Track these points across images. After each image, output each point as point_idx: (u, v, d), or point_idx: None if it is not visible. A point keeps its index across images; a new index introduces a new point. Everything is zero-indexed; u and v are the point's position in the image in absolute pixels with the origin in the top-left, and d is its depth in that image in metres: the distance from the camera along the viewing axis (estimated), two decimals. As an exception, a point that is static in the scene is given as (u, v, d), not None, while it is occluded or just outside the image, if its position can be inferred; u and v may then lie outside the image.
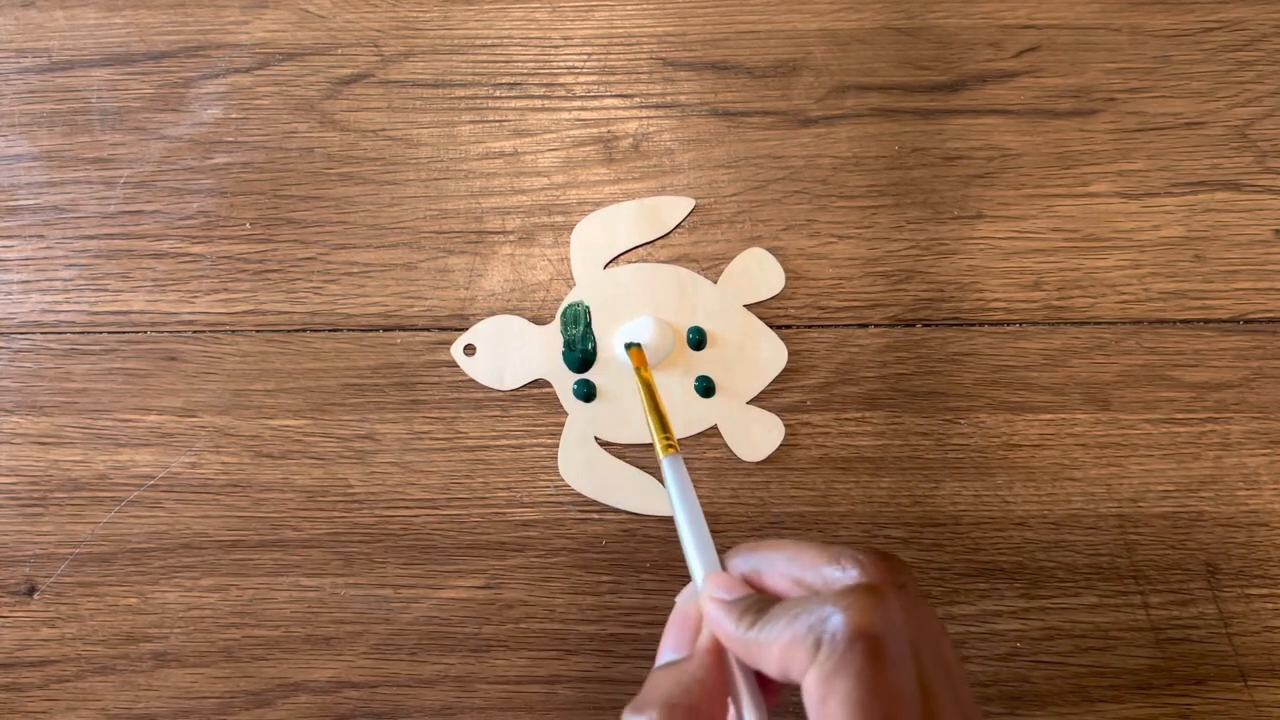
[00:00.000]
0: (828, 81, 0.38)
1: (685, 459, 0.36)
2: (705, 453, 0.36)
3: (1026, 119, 0.38)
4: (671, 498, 0.29)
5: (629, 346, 0.36)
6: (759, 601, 0.25)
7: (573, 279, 0.37)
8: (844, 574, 0.24)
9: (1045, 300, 0.37)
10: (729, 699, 0.25)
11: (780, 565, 0.26)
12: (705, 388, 0.36)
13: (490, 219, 0.38)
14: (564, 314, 0.37)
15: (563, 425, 0.36)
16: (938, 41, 0.38)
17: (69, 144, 0.38)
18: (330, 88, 0.38)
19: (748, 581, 0.27)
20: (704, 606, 0.26)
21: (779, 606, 0.24)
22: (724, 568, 0.27)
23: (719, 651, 0.25)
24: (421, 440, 0.37)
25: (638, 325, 0.36)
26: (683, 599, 0.28)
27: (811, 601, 0.23)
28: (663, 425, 0.31)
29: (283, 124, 0.38)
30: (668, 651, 0.27)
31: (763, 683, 0.25)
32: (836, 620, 0.22)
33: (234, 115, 0.38)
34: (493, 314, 0.37)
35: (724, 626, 0.25)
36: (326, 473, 0.37)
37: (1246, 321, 0.37)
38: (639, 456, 0.37)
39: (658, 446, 0.31)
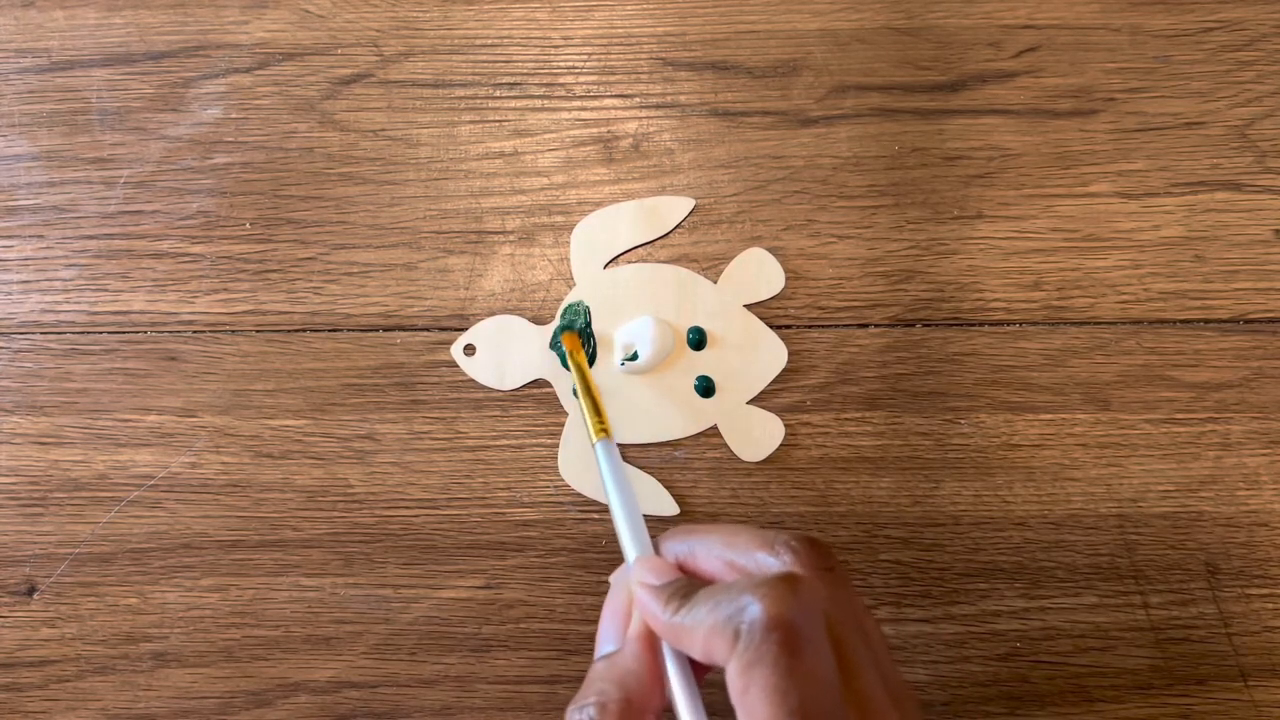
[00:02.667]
0: (828, 81, 0.38)
1: (685, 459, 0.36)
2: (705, 453, 0.36)
3: (1026, 119, 0.38)
4: (604, 480, 0.30)
5: (562, 330, 0.36)
6: (685, 586, 0.25)
7: (573, 279, 0.37)
8: (776, 560, 0.25)
9: (1045, 300, 0.37)
10: (665, 686, 0.25)
11: (715, 549, 0.26)
12: (705, 388, 0.36)
13: (490, 219, 0.38)
14: (564, 314, 0.37)
15: (563, 425, 0.36)
16: (938, 41, 0.38)
17: (69, 144, 0.38)
18: (330, 88, 0.38)
19: (682, 565, 0.27)
20: (634, 591, 0.26)
21: (703, 592, 0.24)
22: (657, 551, 0.28)
23: (650, 639, 0.26)
24: (421, 440, 0.37)
25: (638, 325, 0.36)
26: (615, 579, 0.28)
27: (733, 589, 0.23)
28: (595, 409, 0.32)
29: (283, 124, 0.38)
30: (605, 642, 0.27)
31: (698, 668, 0.26)
32: (754, 610, 0.22)
33: (234, 115, 0.38)
34: (493, 314, 0.37)
35: (652, 611, 0.25)
36: (326, 473, 0.37)
37: (1246, 321, 0.37)
38: (639, 456, 0.37)
39: (590, 430, 0.32)
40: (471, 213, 0.38)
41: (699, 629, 0.23)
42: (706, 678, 0.26)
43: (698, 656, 0.24)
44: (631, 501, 0.29)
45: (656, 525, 0.36)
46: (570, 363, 0.35)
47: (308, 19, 0.39)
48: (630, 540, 0.28)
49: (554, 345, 0.36)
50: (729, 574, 0.26)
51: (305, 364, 0.37)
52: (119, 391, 0.37)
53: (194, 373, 0.37)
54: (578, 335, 0.36)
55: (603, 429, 0.32)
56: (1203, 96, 0.38)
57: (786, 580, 0.23)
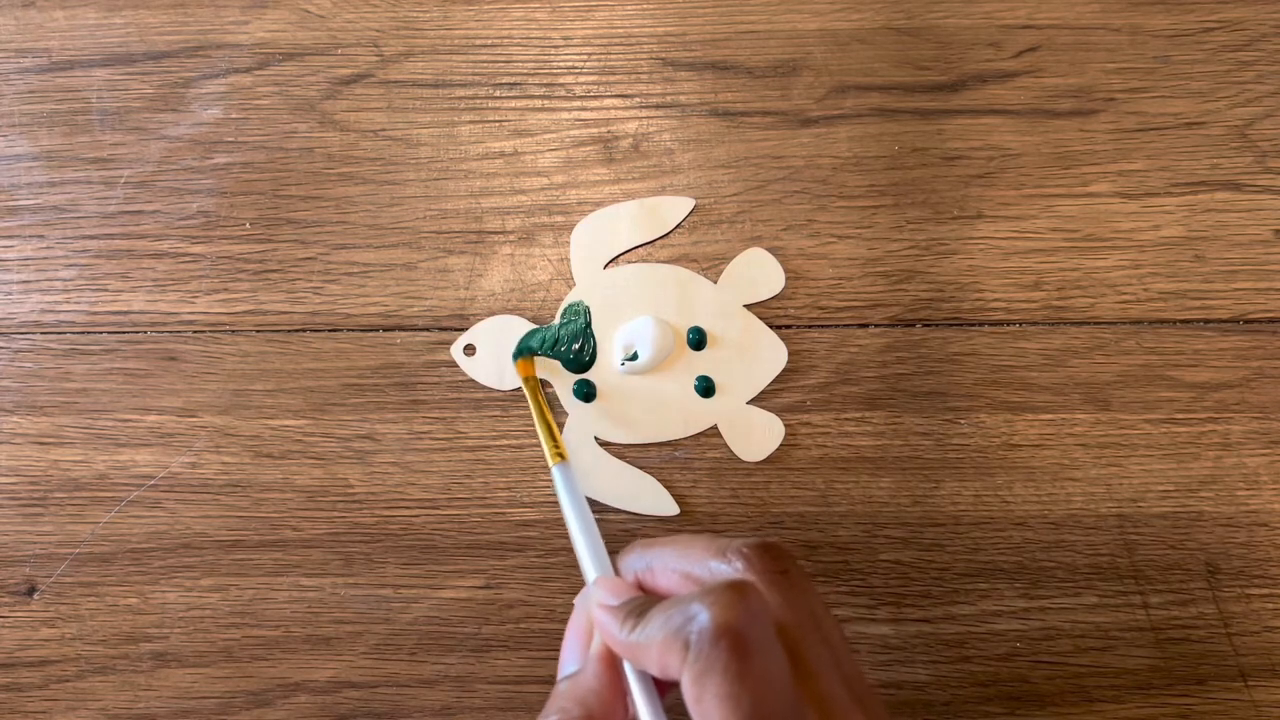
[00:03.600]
0: (828, 81, 0.38)
1: (685, 459, 0.36)
2: (705, 453, 0.36)
3: (1026, 119, 0.38)
4: (563, 504, 0.31)
5: (518, 355, 0.36)
6: (641, 604, 0.25)
7: (573, 279, 0.37)
8: (729, 567, 0.25)
9: (1045, 300, 0.37)
10: (625, 706, 0.26)
11: (670, 561, 0.26)
12: (705, 388, 0.36)
13: (490, 219, 0.38)
14: (564, 314, 0.37)
15: (563, 425, 0.36)
16: (938, 41, 0.38)
17: (69, 144, 0.38)
18: (330, 88, 0.38)
19: (641, 581, 0.27)
20: (593, 612, 0.26)
21: (656, 608, 0.24)
22: (617, 571, 0.28)
23: (611, 657, 0.26)
24: (421, 440, 0.37)
25: (638, 325, 0.36)
26: (578, 600, 0.28)
27: (682, 601, 0.23)
28: (550, 434, 0.33)
29: (283, 124, 0.38)
30: (568, 663, 0.27)
31: (662, 687, 0.26)
32: (702, 619, 0.22)
33: (234, 115, 0.38)
34: (493, 314, 0.37)
35: (610, 631, 0.25)
36: (326, 473, 0.37)
37: (1246, 321, 0.37)
38: (639, 456, 0.37)
39: (547, 454, 0.33)
40: (471, 213, 0.38)
41: (653, 644, 0.23)
42: (670, 695, 0.27)
43: (655, 672, 0.24)
44: (589, 524, 0.30)
45: (657, 525, 0.36)
46: (524, 389, 0.35)
47: (308, 19, 0.39)
48: (589, 562, 0.29)
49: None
50: (685, 586, 0.26)
51: (305, 364, 0.37)
52: (119, 391, 0.37)
53: (194, 373, 0.37)
54: (531, 360, 0.36)
55: (558, 453, 0.32)
56: (1203, 96, 0.38)
57: (733, 587, 0.23)
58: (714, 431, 0.37)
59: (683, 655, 0.22)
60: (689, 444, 0.36)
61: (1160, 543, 0.36)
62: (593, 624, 0.27)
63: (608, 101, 0.38)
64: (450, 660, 0.36)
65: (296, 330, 0.37)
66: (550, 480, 0.36)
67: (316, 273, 0.37)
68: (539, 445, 0.36)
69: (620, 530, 0.36)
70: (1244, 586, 0.36)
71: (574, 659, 0.27)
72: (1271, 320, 0.37)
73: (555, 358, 0.37)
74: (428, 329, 0.37)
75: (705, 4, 0.38)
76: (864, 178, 0.37)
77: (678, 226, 0.37)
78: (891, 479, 0.36)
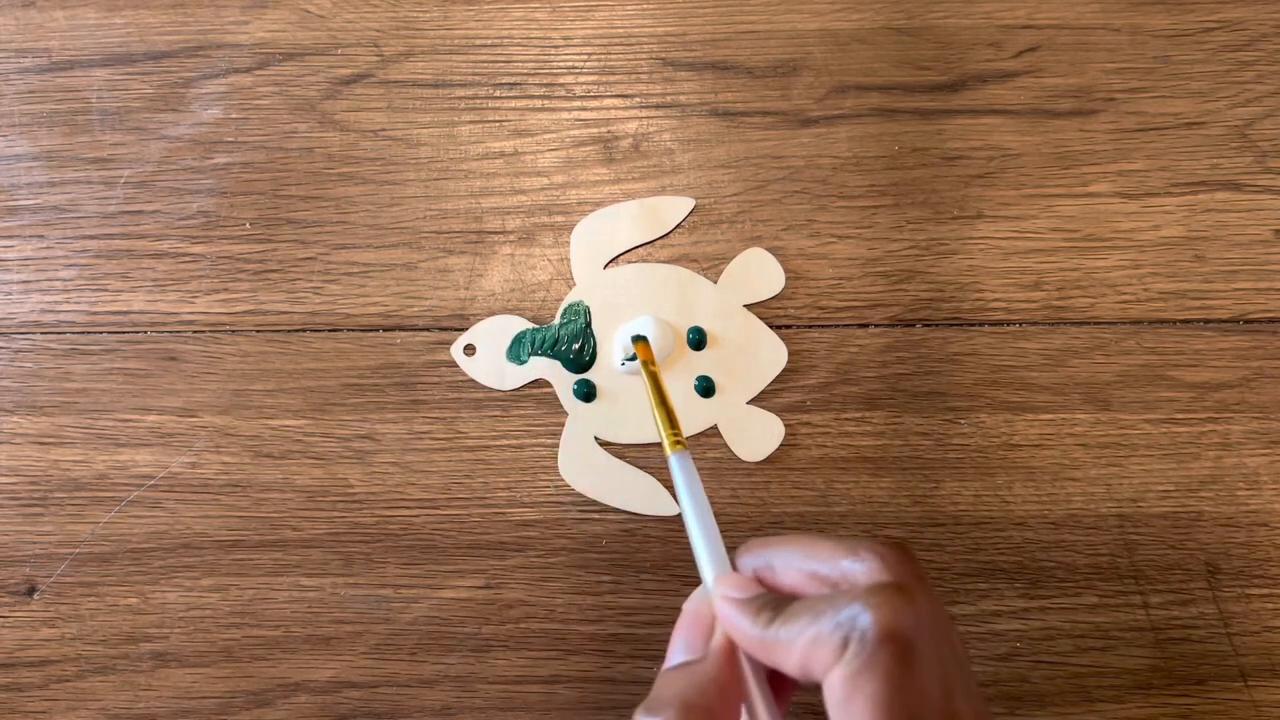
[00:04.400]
0: (828, 81, 0.38)
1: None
2: (705, 453, 0.36)
3: (1026, 119, 0.38)
4: (680, 496, 0.28)
5: (636, 340, 0.35)
6: (775, 599, 0.24)
7: (573, 279, 0.37)
8: (862, 566, 0.24)
9: (1045, 300, 0.37)
10: (742, 702, 0.25)
11: (794, 560, 0.26)
12: (705, 388, 0.36)
13: (490, 219, 0.38)
14: (564, 314, 0.37)
15: (563, 425, 0.36)
16: (938, 41, 0.38)
17: (69, 144, 0.38)
18: (330, 88, 0.38)
19: (761, 578, 0.26)
20: (717, 606, 0.26)
21: (800, 604, 0.23)
22: (734, 566, 0.27)
23: (732, 653, 0.25)
24: (421, 440, 0.37)
25: (637, 325, 0.36)
26: (691, 602, 0.27)
27: (838, 599, 0.23)
28: (671, 421, 0.30)
29: (283, 124, 0.38)
30: (678, 652, 0.26)
31: (775, 686, 0.25)
32: (865, 619, 0.21)
33: (234, 115, 0.38)
34: (493, 314, 0.37)
35: (739, 625, 0.24)
36: (326, 473, 0.37)
37: (1246, 321, 0.37)
38: (639, 456, 0.37)
39: (665, 443, 0.30)
40: (471, 213, 0.38)
41: (798, 641, 0.22)
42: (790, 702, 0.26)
43: (792, 670, 0.23)
44: (708, 516, 0.28)
45: (657, 525, 0.36)
46: (644, 373, 0.33)
47: (308, 19, 0.39)
48: (708, 556, 0.27)
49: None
50: (810, 585, 0.25)
51: (305, 364, 0.37)
52: (119, 391, 0.37)
53: (194, 373, 0.37)
54: (648, 345, 0.35)
55: (678, 442, 0.30)
56: (1203, 96, 0.38)
57: (900, 589, 0.22)
58: (714, 431, 0.37)
59: (838, 653, 0.21)
60: (689, 444, 0.36)
61: (1160, 543, 0.36)
62: (710, 619, 0.26)
63: (608, 101, 0.38)
64: (450, 660, 0.36)
65: (296, 330, 0.37)
66: (550, 480, 0.36)
67: (316, 273, 0.37)
68: (539, 445, 0.36)
69: (620, 530, 0.36)
70: (1244, 586, 0.36)
71: (685, 652, 0.26)
72: (1271, 320, 0.37)
73: (555, 358, 0.37)
74: (428, 329, 0.37)
75: (705, 4, 0.38)
76: (864, 178, 0.37)
77: (678, 226, 0.37)
78: (891, 479, 0.36)
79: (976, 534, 0.36)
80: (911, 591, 0.22)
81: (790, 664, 0.23)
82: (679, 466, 0.29)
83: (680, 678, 0.25)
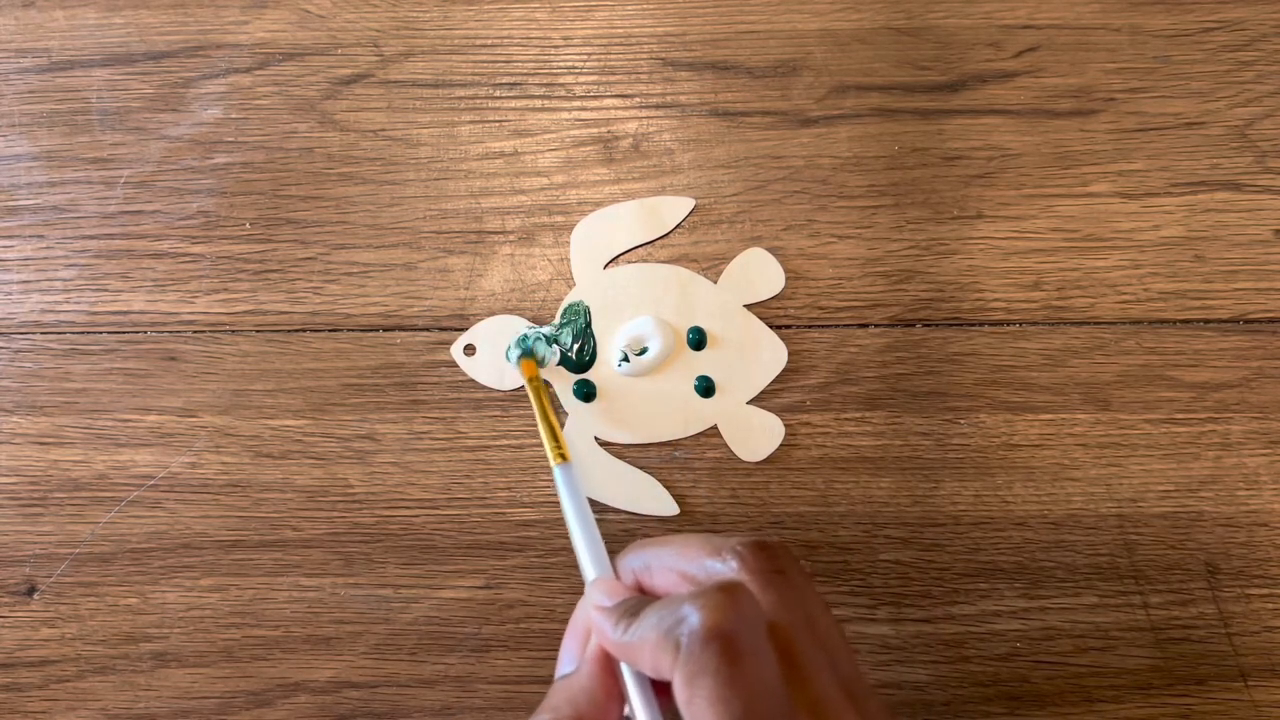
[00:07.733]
0: (828, 81, 0.38)
1: (685, 459, 0.36)
2: (705, 453, 0.36)
3: (1026, 119, 0.38)
4: (564, 504, 0.31)
5: (521, 357, 0.36)
6: (635, 604, 0.25)
7: (573, 279, 0.37)
8: (724, 566, 0.25)
9: (1045, 300, 0.37)
10: (624, 705, 0.26)
11: (668, 560, 0.26)
12: (705, 388, 0.36)
13: (490, 219, 0.38)
14: (564, 314, 0.37)
15: (563, 425, 0.36)
16: (938, 41, 0.38)
17: (69, 144, 0.38)
18: (330, 88, 0.38)
19: (640, 581, 0.27)
20: (589, 614, 0.26)
21: (649, 608, 0.24)
22: (616, 571, 0.28)
23: (606, 659, 0.26)
24: (421, 440, 0.37)
25: (638, 325, 0.36)
26: (577, 610, 0.28)
27: (674, 601, 0.23)
28: (553, 434, 0.33)
29: (283, 124, 0.38)
30: (564, 664, 0.27)
31: (662, 689, 0.26)
32: (693, 620, 0.22)
33: (234, 115, 0.38)
34: (493, 314, 0.37)
35: (604, 631, 0.25)
36: (326, 473, 0.37)
37: (1246, 321, 0.37)
38: (639, 456, 0.37)
39: (549, 454, 0.32)
40: (471, 213, 0.38)
41: (645, 645, 0.23)
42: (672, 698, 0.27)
43: (649, 673, 0.24)
44: (590, 525, 0.30)
45: (657, 525, 0.36)
46: (528, 389, 0.35)
47: (308, 19, 0.39)
48: (588, 563, 0.29)
49: (517, 360, 0.36)
50: (682, 585, 0.26)
51: (305, 364, 0.37)
52: (119, 391, 0.37)
53: (194, 373, 0.37)
54: (534, 362, 0.36)
55: (560, 454, 0.32)
56: (1203, 96, 0.38)
57: (723, 589, 0.23)
58: (714, 431, 0.37)
59: (674, 657, 0.22)
60: (689, 444, 0.36)
61: (1160, 543, 0.36)
62: (588, 627, 0.27)
63: (608, 101, 0.38)
64: (450, 660, 0.36)
65: (296, 330, 0.37)
66: (551, 480, 0.36)
67: (316, 273, 0.37)
68: (539, 445, 0.36)
69: (620, 530, 0.36)
70: (1244, 586, 0.36)
71: (571, 660, 0.27)
72: (1271, 320, 0.37)
73: (560, 363, 0.37)
74: (428, 329, 0.37)
75: (705, 4, 0.38)
76: (864, 178, 0.37)
77: (678, 226, 0.37)
78: (891, 479, 0.36)
79: (976, 534, 0.36)
80: (736, 589, 0.23)
81: (646, 667, 0.24)
82: (562, 478, 0.31)
83: (558, 689, 0.26)
